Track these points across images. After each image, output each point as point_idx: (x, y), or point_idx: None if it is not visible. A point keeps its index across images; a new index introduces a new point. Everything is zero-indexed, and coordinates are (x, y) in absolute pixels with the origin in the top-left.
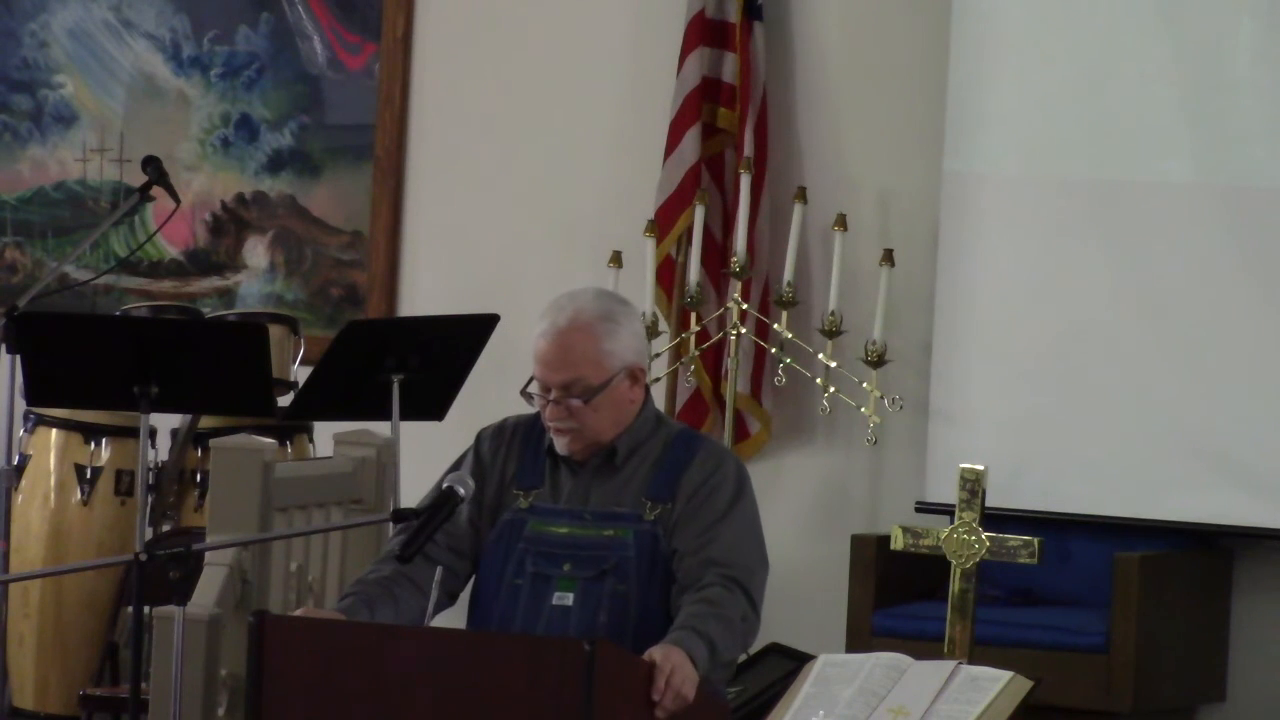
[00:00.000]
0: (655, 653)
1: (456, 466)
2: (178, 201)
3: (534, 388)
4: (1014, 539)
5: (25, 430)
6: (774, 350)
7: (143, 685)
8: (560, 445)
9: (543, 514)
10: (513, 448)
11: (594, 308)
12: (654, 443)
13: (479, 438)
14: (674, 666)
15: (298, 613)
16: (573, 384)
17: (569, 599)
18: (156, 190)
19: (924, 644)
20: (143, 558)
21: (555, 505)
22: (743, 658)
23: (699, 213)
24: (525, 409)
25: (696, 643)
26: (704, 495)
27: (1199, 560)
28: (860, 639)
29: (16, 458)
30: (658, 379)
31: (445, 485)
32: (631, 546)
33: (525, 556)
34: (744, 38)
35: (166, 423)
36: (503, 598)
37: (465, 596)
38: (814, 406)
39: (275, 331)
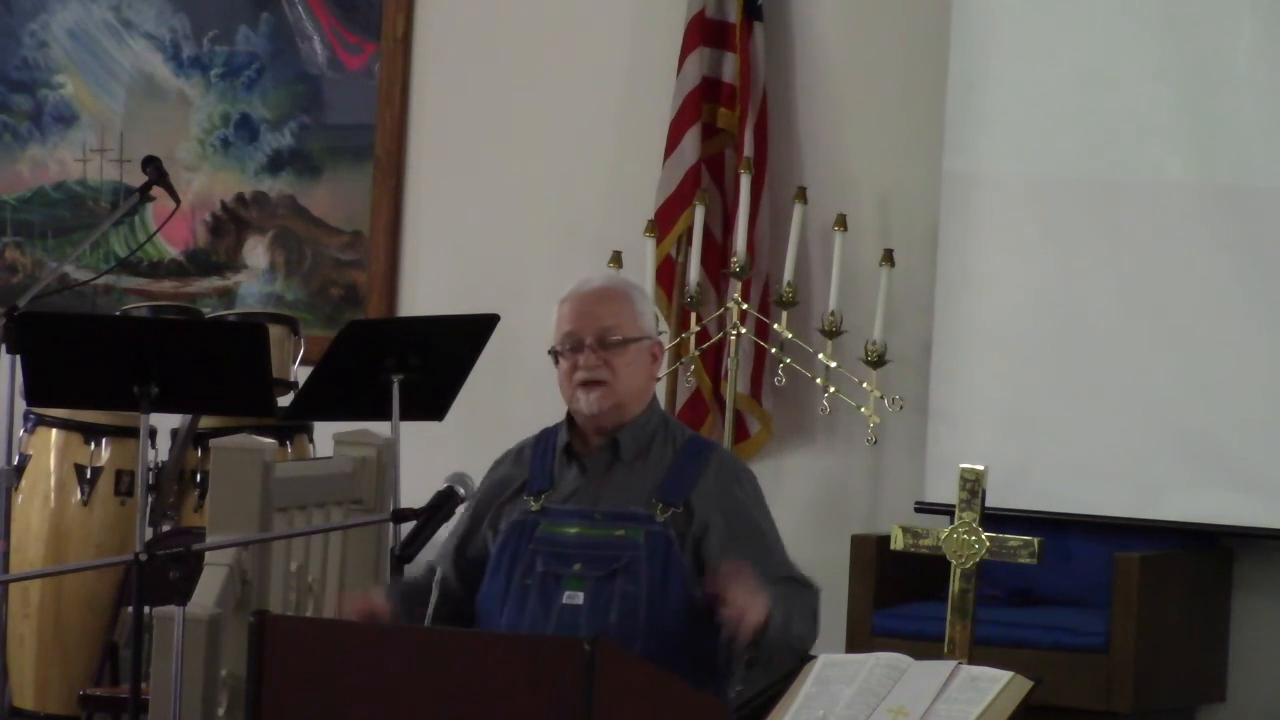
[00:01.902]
0: (729, 571)
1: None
2: (178, 201)
3: (563, 345)
4: (1014, 539)
5: (25, 430)
6: (774, 350)
7: (143, 685)
8: (588, 402)
9: (553, 515)
10: (521, 462)
11: (619, 280)
12: (664, 445)
13: (494, 465)
14: (750, 590)
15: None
16: (608, 331)
17: (579, 598)
18: (156, 190)
19: (924, 644)
20: (143, 558)
21: (565, 506)
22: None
23: (699, 213)
24: (524, 410)
25: (777, 602)
26: (736, 513)
27: (1199, 560)
28: (860, 639)
29: (16, 458)
30: (658, 379)
31: (445, 485)
32: (642, 547)
33: (535, 557)
34: (744, 38)
35: (166, 423)
36: (511, 598)
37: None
38: (814, 406)
39: (275, 331)
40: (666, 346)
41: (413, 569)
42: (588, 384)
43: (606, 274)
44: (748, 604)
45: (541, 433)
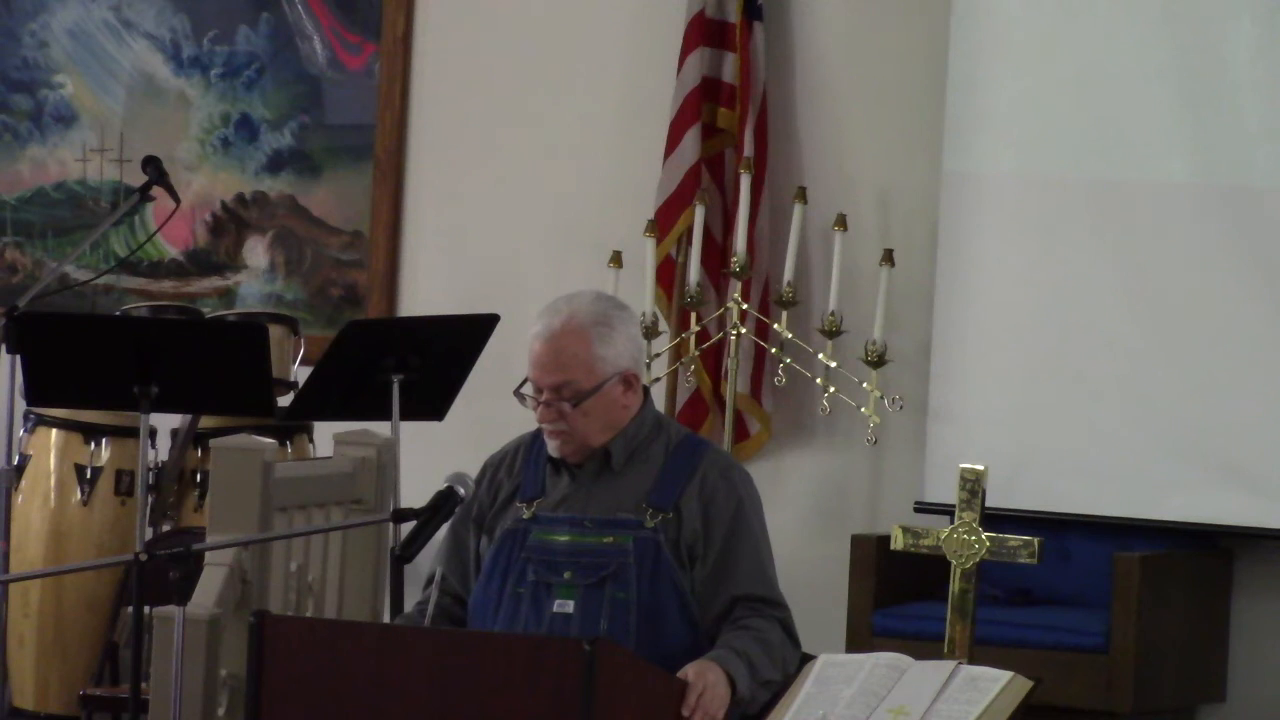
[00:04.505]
0: (690, 670)
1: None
2: (178, 201)
3: (527, 389)
4: (1014, 539)
5: (25, 430)
6: (774, 350)
7: (143, 685)
8: (552, 448)
9: (545, 523)
10: (514, 467)
11: (588, 312)
12: (655, 448)
13: (484, 466)
14: (707, 685)
15: None
16: (563, 386)
17: (569, 606)
18: (156, 190)
19: (924, 644)
20: (143, 558)
21: (555, 514)
22: None
23: (699, 213)
24: (523, 410)
25: (735, 661)
26: (720, 519)
27: (1199, 560)
28: (860, 639)
29: (16, 458)
30: (658, 379)
31: (445, 485)
32: (631, 553)
33: (527, 566)
34: (744, 38)
35: (166, 423)
36: (504, 607)
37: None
38: (814, 406)
39: (275, 331)
40: (666, 347)
41: (412, 573)
42: (549, 431)
43: (575, 303)
44: (706, 709)
45: (538, 433)
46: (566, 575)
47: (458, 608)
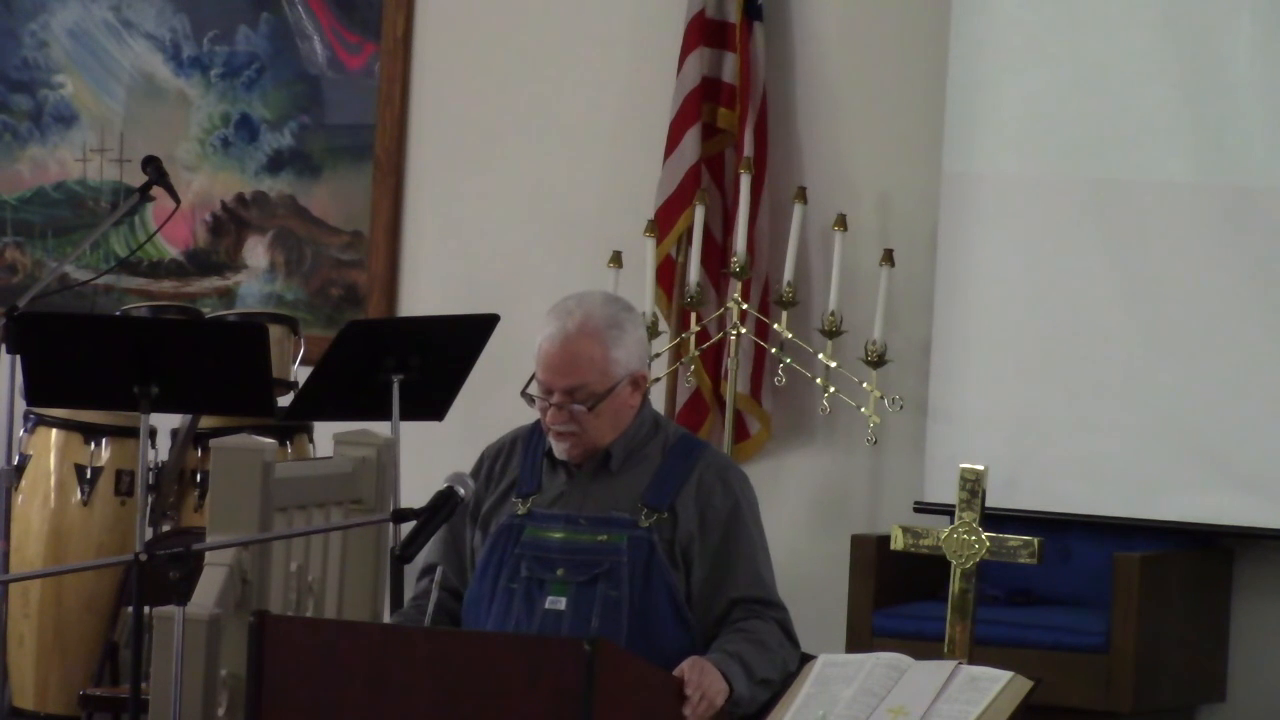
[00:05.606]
0: (684, 664)
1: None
2: (178, 201)
3: (535, 389)
4: (1014, 539)
5: (25, 430)
6: (774, 350)
7: (143, 685)
8: (560, 450)
9: (539, 520)
10: (511, 460)
11: (601, 314)
12: (652, 447)
13: (481, 457)
14: (703, 670)
15: None
16: (577, 390)
17: (561, 603)
18: (156, 190)
19: (924, 644)
20: (143, 558)
21: (551, 510)
22: None
23: (699, 213)
24: (523, 410)
25: (729, 663)
26: (715, 521)
27: (1199, 560)
28: (860, 639)
29: (16, 458)
30: (658, 379)
31: (445, 485)
32: (625, 552)
33: (520, 562)
34: (744, 38)
35: (166, 423)
36: (497, 602)
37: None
38: (814, 406)
39: (275, 331)
40: (666, 347)
41: (410, 570)
42: (559, 433)
43: (587, 304)
44: (705, 692)
45: (535, 427)
46: (559, 572)
47: (453, 602)
